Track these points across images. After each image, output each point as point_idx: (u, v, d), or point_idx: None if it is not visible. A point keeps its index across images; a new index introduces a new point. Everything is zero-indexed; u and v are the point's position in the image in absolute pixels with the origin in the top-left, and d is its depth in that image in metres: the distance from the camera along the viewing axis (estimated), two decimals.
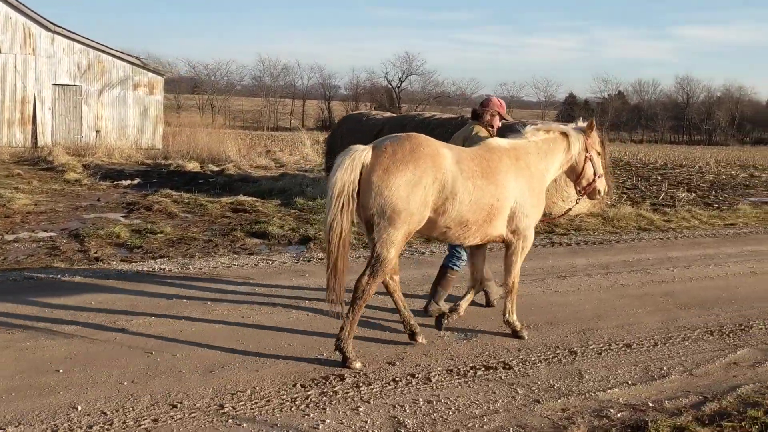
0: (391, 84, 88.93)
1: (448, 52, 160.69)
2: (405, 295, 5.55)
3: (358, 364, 4.72)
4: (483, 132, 5.94)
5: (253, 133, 51.85)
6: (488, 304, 6.44)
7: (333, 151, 16.50)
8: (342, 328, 4.72)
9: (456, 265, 6.21)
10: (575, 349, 5.42)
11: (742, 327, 6.20)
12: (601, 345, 5.54)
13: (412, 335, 5.26)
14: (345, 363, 4.72)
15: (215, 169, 19.25)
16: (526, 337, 5.53)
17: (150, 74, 25.11)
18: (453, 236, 5.04)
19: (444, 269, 6.22)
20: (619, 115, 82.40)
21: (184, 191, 13.95)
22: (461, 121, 14.46)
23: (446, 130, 14.13)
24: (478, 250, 5.53)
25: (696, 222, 12.83)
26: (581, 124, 5.78)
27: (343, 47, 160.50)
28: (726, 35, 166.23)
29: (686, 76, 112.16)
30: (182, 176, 17.60)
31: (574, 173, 5.74)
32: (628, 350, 5.45)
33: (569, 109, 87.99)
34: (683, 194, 17.26)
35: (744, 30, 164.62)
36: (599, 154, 5.81)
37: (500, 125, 6.15)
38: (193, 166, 19.73)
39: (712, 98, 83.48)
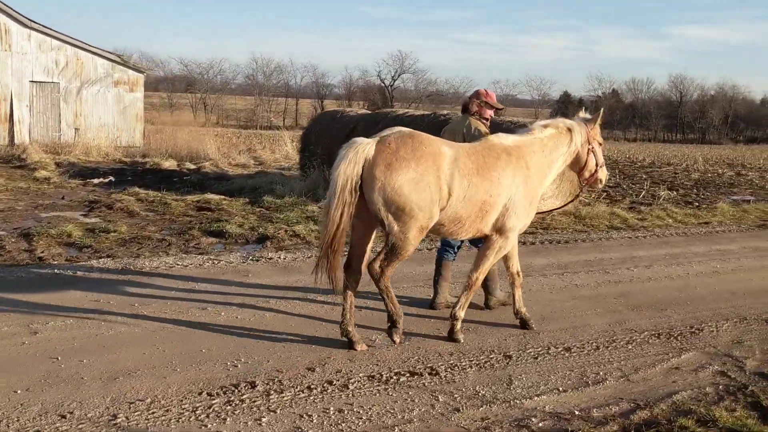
0: (384, 83, 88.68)
1: (444, 51, 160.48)
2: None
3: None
4: (481, 127, 5.94)
5: (244, 131, 51.49)
6: (432, 305, 6.28)
7: (307, 148, 16.28)
8: (388, 310, 5.01)
9: (449, 253, 6.26)
10: (511, 353, 5.18)
11: (693, 329, 5.97)
12: (539, 349, 5.31)
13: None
14: (389, 336, 5.11)
15: (192, 167, 19.01)
16: (462, 341, 5.33)
17: (130, 71, 24.83)
18: (446, 232, 5.11)
19: (439, 262, 6.28)
20: (612, 114, 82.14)
21: (154, 189, 13.70)
22: (434, 118, 14.23)
23: (417, 127, 13.90)
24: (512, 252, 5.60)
25: (670, 221, 12.60)
26: (585, 115, 5.81)
27: (337, 47, 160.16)
28: (721, 35, 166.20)
29: (679, 75, 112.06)
30: (157, 174, 17.36)
31: (577, 165, 5.77)
32: (567, 354, 5.22)
33: (563, 108, 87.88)
34: (663, 192, 17.03)
35: (739, 30, 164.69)
36: (600, 144, 5.85)
37: (492, 115, 6.17)
38: (169, 164, 19.47)
39: (706, 97, 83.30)
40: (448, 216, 4.90)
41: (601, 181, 5.91)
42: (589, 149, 5.69)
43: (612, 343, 5.52)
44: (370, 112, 16.59)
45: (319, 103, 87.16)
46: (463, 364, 4.91)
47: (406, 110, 15.98)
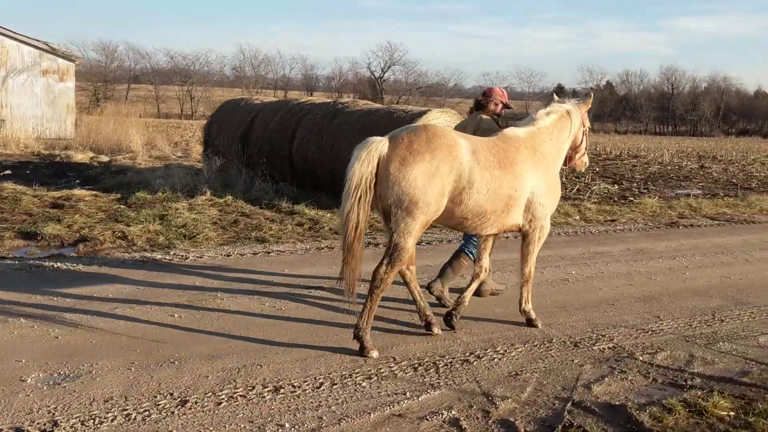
0: (373, 74, 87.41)
1: (439, 43, 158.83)
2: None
3: (375, 353, 4.76)
4: (492, 124, 5.99)
5: None
6: (479, 294, 6.22)
7: (209, 138, 15.18)
8: (360, 316, 4.77)
9: (471, 252, 6.19)
10: (189, 398, 4.10)
11: (468, 356, 4.87)
12: (246, 389, 4.21)
13: (428, 326, 5.29)
14: (362, 353, 4.76)
15: (105, 160, 17.99)
16: (540, 326, 5.54)
17: (60, 60, 23.68)
18: (470, 226, 5.06)
19: (458, 253, 6.25)
20: (604, 106, 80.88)
21: (39, 184, 12.65)
22: (333, 105, 13.15)
23: (315, 115, 12.85)
24: (488, 240, 5.57)
25: (577, 218, 11.48)
26: (574, 100, 5.87)
27: (330, 38, 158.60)
28: (718, 27, 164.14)
29: (671, 67, 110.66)
30: (59, 167, 16.33)
31: (571, 148, 5.82)
32: (264, 397, 4.13)
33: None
34: (595, 187, 15.90)
35: (734, 21, 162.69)
36: (589, 127, 6.02)
37: (503, 113, 6.29)
38: (83, 157, 18.42)
39: (698, 89, 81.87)
40: (471, 209, 4.87)
41: (585, 163, 6.08)
42: (583, 131, 5.83)
43: (346, 379, 4.43)
44: (274, 100, 15.43)
45: (309, 95, 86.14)
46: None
47: (308, 99, 14.86)
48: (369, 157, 4.60)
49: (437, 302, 6.09)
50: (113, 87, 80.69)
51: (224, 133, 14.47)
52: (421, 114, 11.30)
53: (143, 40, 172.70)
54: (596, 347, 5.23)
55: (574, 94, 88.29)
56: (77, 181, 14.06)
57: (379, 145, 4.65)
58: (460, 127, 6.06)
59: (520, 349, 5.10)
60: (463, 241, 6.35)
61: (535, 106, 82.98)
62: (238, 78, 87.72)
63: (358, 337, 4.77)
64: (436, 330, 5.25)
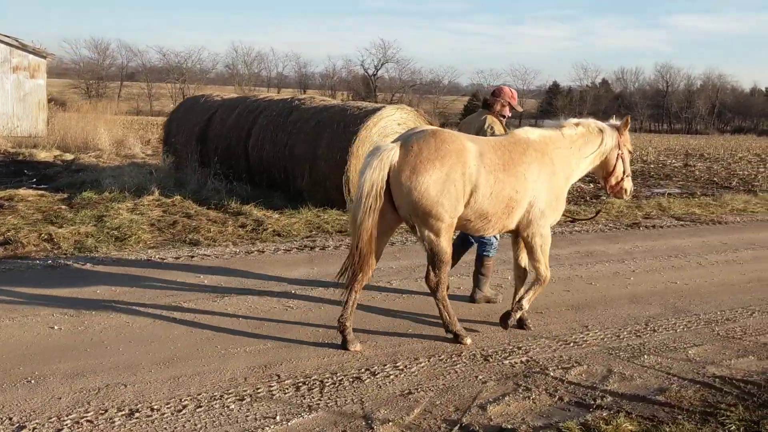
0: (367, 72, 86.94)
1: (438, 41, 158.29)
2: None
3: (468, 340, 5.09)
4: (497, 125, 5.90)
5: None
6: (471, 299, 6.21)
7: (169, 136, 14.76)
8: (443, 321, 5.03)
9: (489, 253, 6.15)
10: (28, 423, 3.70)
11: (364, 372, 4.48)
12: (97, 413, 3.82)
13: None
14: (458, 340, 5.05)
15: (69, 158, 17.59)
16: (533, 329, 5.49)
17: (31, 57, 23.20)
18: (472, 228, 5.06)
19: (480, 258, 6.15)
20: (598, 104, 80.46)
21: None
22: (290, 101, 12.73)
23: (272, 113, 12.43)
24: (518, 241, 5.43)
25: None
26: (615, 121, 5.68)
27: (325, 37, 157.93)
28: (717, 25, 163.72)
29: (666, 64, 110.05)
30: (18, 166, 15.95)
31: (604, 170, 5.66)
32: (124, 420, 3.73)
33: (551, 98, 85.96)
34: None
35: (733, 19, 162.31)
36: (630, 152, 5.74)
37: (510, 115, 6.14)
38: (47, 155, 18.02)
39: (693, 87, 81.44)
40: (474, 211, 4.87)
41: (626, 191, 5.78)
42: (618, 155, 5.57)
43: (202, 405, 4.03)
44: (234, 96, 15.01)
45: (303, 93, 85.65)
46: None
47: (266, 95, 14.46)
48: (381, 165, 4.61)
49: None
50: (105, 84, 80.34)
51: (183, 131, 14.06)
52: (375, 110, 10.90)
53: (136, 38, 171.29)
54: (508, 361, 4.84)
55: (569, 92, 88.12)
56: (33, 180, 13.69)
57: (390, 153, 4.66)
58: (465, 124, 6.12)
59: (422, 364, 4.71)
60: (477, 246, 6.24)
61: (528, 104, 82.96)
62: (231, 75, 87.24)
63: (450, 332, 5.03)
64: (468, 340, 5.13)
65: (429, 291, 5.07)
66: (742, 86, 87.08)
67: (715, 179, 19.67)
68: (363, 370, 4.57)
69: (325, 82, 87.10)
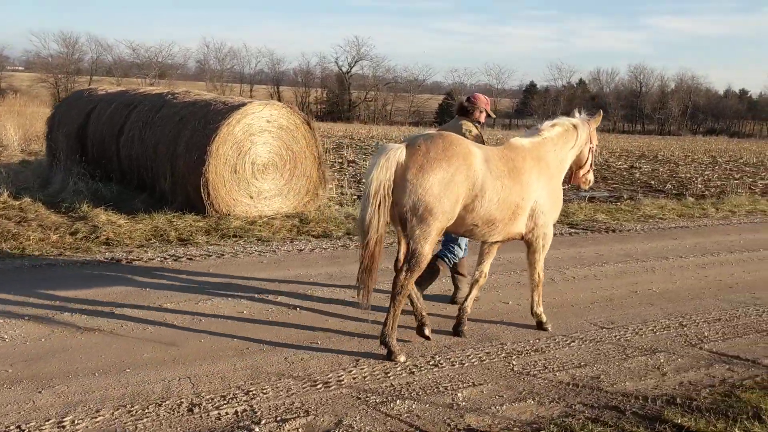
0: (341, 69, 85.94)
1: (418, 41, 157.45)
2: None
3: (402, 357, 4.85)
4: (474, 130, 5.98)
5: None
6: (453, 300, 6.28)
7: (52, 130, 13.75)
8: (385, 324, 4.83)
9: (447, 258, 6.24)
10: None
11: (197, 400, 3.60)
12: None
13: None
14: (390, 357, 4.83)
15: None
16: (550, 329, 5.62)
17: None
18: (479, 233, 5.15)
19: (435, 259, 6.07)
20: (572, 104, 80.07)
21: None
22: (164, 95, 11.76)
23: (144, 107, 11.47)
24: (492, 247, 5.64)
25: None
26: (583, 116, 5.84)
27: (302, 34, 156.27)
28: (695, 26, 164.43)
29: (639, 65, 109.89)
30: None
31: (577, 163, 5.86)
32: None
33: (527, 97, 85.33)
34: None
35: (711, 22, 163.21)
36: (596, 145, 5.99)
37: (484, 121, 6.25)
38: None
39: (667, 88, 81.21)
40: (482, 217, 4.96)
41: (590, 181, 6.04)
42: (590, 148, 5.85)
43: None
44: (120, 91, 14.00)
45: (275, 89, 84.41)
46: None
47: (146, 89, 13.59)
48: (387, 163, 4.64)
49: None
50: (74, 79, 78.80)
51: (63, 126, 13.08)
52: (241, 105, 10.01)
53: (106, 32, 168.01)
54: (217, 412, 3.97)
55: (546, 91, 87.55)
56: None
57: (398, 152, 4.70)
58: (444, 130, 5.99)
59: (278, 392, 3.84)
60: (440, 248, 6.25)
61: (503, 104, 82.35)
62: (203, 71, 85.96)
63: (384, 343, 4.84)
64: (402, 359, 4.90)
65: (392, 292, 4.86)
66: (715, 88, 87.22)
67: (651, 182, 18.99)
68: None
69: (298, 79, 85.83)
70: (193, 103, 10.70)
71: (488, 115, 6.19)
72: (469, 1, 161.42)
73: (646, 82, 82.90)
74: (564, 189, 5.84)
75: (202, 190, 9.54)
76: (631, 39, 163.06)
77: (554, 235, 6.26)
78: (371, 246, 4.66)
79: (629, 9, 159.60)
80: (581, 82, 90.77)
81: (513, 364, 4.93)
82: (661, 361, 5.13)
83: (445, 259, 6.20)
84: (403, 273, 4.77)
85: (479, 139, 5.79)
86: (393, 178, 4.65)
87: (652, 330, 5.86)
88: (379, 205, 4.62)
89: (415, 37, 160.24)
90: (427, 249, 4.74)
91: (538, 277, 5.60)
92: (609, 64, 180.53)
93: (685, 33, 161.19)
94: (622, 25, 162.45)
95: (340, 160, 19.69)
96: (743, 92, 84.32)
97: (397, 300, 4.78)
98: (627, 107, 79.70)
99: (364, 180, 4.35)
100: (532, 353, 5.17)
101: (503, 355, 5.11)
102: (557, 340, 5.50)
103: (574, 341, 5.48)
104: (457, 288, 6.35)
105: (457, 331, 5.46)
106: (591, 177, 6.04)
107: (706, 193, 16.98)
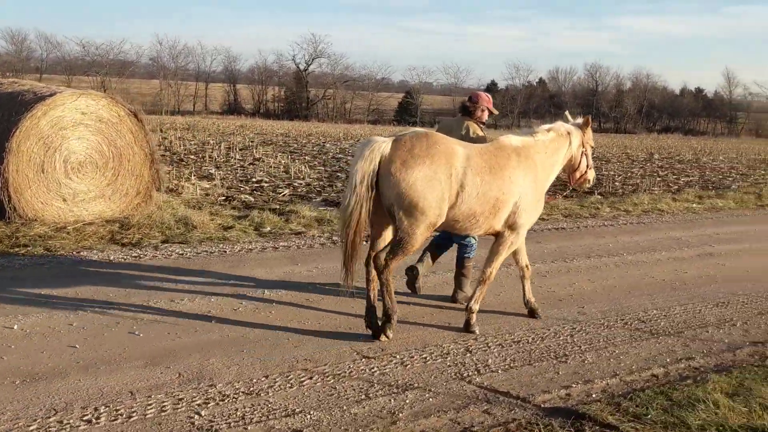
0: (298, 67, 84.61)
1: (383, 39, 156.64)
2: None
3: (390, 334, 5.11)
4: (479, 131, 6.07)
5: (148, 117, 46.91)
6: (453, 299, 6.29)
7: None
8: (384, 304, 5.06)
9: (470, 254, 6.31)
10: None
11: None
12: None
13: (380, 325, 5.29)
14: (384, 331, 5.11)
15: None
16: (477, 332, 5.45)
17: None
18: (461, 228, 5.27)
19: (461, 260, 6.30)
20: (530, 102, 79.85)
21: None
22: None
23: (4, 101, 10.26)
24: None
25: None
26: (578, 120, 5.99)
27: (257, 30, 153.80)
28: (665, 26, 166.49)
29: (595, 64, 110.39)
30: None
31: (571, 167, 6.00)
32: None
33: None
34: None
35: (673, 22, 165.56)
36: (592, 147, 6.06)
37: (487, 119, 6.29)
38: None
39: (623, 86, 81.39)
40: (462, 212, 5.07)
41: (589, 180, 6.13)
42: (582, 152, 5.93)
43: None
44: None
45: (232, 87, 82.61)
46: None
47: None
48: (372, 155, 4.80)
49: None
50: (23, 77, 76.20)
51: None
52: (50, 95, 8.83)
53: (55, 28, 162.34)
54: None
55: (507, 90, 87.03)
56: None
57: (382, 145, 4.86)
58: (444, 127, 6.14)
59: None
60: (458, 248, 6.37)
61: (457, 102, 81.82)
62: (157, 69, 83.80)
63: (387, 315, 5.07)
64: (390, 334, 5.15)
65: (377, 269, 5.01)
66: (671, 87, 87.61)
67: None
68: None
69: (254, 77, 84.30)
70: (8, 94, 9.49)
71: (491, 113, 6.25)
72: (437, 1, 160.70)
73: (602, 81, 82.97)
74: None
75: (2, 192, 8.37)
76: (599, 38, 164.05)
77: None
78: (350, 235, 4.80)
79: (597, 9, 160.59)
80: (541, 81, 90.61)
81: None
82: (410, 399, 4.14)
83: (469, 256, 6.29)
84: (384, 253, 4.92)
85: (483, 141, 5.79)
86: (377, 170, 4.78)
87: (423, 360, 4.87)
88: (362, 196, 4.74)
89: (384, 36, 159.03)
90: (417, 237, 4.88)
91: (491, 274, 5.53)
92: (570, 63, 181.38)
93: (654, 32, 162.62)
94: (592, 25, 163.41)
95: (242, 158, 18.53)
96: (699, 90, 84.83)
97: (385, 281, 4.98)
98: (584, 106, 79.63)
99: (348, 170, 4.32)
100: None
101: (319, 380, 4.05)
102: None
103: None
104: (459, 288, 6.30)
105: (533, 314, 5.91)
106: (591, 176, 6.07)
107: (621, 191, 16.20)
